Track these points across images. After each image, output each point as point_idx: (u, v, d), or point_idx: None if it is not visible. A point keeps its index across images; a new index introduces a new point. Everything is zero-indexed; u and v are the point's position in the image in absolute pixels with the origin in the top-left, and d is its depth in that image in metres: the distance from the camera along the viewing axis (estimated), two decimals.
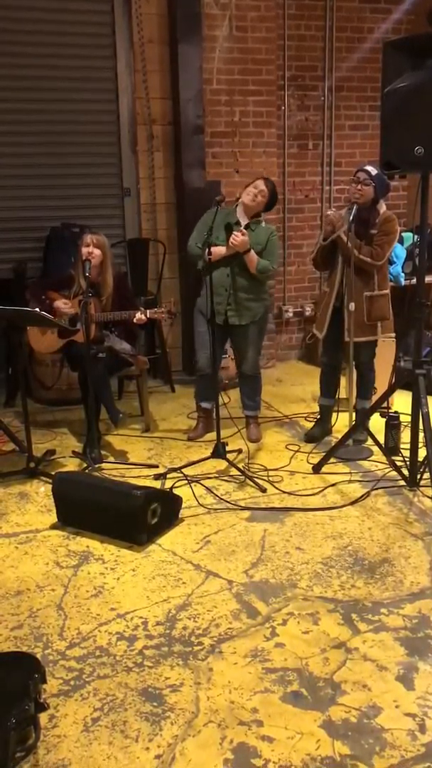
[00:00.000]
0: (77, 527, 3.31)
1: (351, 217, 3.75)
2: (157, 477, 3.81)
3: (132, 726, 2.10)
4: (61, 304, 4.10)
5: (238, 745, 2.02)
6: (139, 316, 4.00)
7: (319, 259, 4.06)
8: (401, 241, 5.58)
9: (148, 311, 4.03)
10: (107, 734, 2.07)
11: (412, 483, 3.60)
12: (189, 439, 4.38)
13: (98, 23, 5.22)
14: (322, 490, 3.67)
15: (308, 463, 3.99)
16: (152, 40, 5.27)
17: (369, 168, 3.87)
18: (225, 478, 3.83)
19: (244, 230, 3.97)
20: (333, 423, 4.36)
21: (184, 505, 3.44)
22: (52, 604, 2.73)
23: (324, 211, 6.01)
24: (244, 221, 4.09)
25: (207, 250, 3.69)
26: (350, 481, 3.76)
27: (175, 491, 3.55)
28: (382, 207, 3.97)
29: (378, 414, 4.11)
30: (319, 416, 4.39)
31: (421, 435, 3.42)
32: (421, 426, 3.41)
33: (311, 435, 4.32)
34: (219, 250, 3.94)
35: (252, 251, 3.99)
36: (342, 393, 4.31)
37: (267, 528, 3.29)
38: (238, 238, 3.92)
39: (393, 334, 4.15)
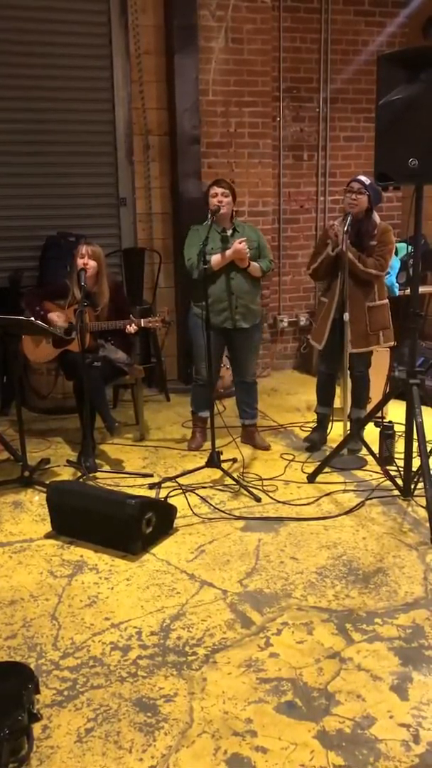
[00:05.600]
0: (71, 536, 3.31)
1: (346, 227, 3.78)
2: (151, 486, 3.81)
3: (125, 737, 2.09)
4: (55, 316, 4.11)
5: (232, 755, 2.01)
6: (129, 328, 4.01)
7: (322, 271, 4.08)
8: (396, 251, 5.60)
9: (142, 320, 4.05)
10: (100, 745, 2.06)
11: (407, 493, 3.61)
12: (191, 449, 4.38)
13: (95, 34, 5.25)
14: (317, 499, 3.67)
15: (303, 472, 3.99)
16: (149, 51, 5.31)
17: (362, 178, 3.91)
18: (220, 487, 3.84)
19: (242, 239, 3.99)
20: (329, 431, 4.37)
21: (178, 515, 3.43)
22: (46, 613, 2.72)
23: (320, 226, 6.05)
24: (228, 229, 4.12)
25: (203, 259, 3.73)
26: (345, 491, 3.77)
27: (170, 500, 3.55)
28: (377, 217, 4.00)
29: (372, 423, 4.12)
30: (317, 424, 4.41)
31: (415, 445, 3.42)
32: (415, 436, 3.42)
33: (311, 439, 4.34)
34: (217, 258, 3.99)
35: (252, 264, 4.06)
36: (336, 402, 4.32)
37: (261, 537, 3.29)
38: (240, 245, 3.93)
39: (394, 342, 4.18)
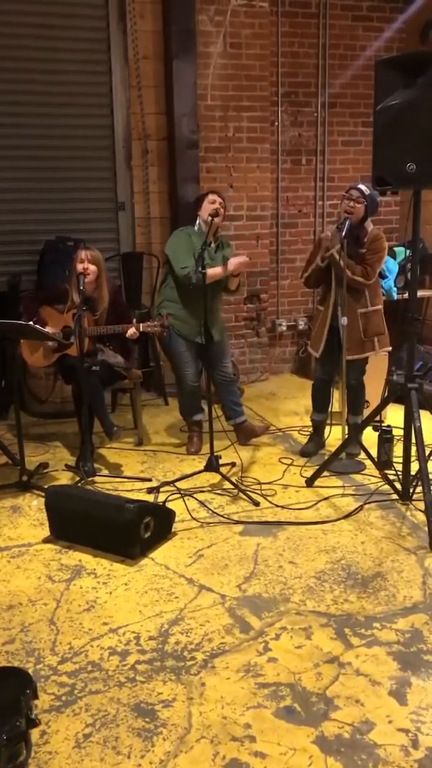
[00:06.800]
0: (70, 541, 3.30)
1: (344, 233, 3.78)
2: (150, 490, 3.80)
3: (124, 742, 2.08)
4: (49, 330, 4.09)
5: (231, 761, 2.00)
6: (131, 331, 4.01)
7: (313, 279, 4.10)
8: (394, 255, 5.62)
9: (141, 325, 4.05)
10: (99, 750, 2.05)
11: (405, 497, 3.60)
12: (190, 453, 4.38)
13: (94, 39, 5.26)
14: (315, 503, 3.67)
15: (301, 476, 3.99)
16: (147, 56, 5.32)
17: (362, 186, 3.91)
18: (218, 491, 3.83)
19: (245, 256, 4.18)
20: (326, 437, 4.37)
21: (177, 519, 3.43)
22: (44, 618, 2.72)
23: (318, 231, 6.06)
24: (213, 243, 4.24)
25: (201, 266, 3.75)
26: (343, 495, 3.77)
27: (168, 505, 3.55)
28: (370, 225, 4.01)
29: (371, 428, 4.12)
30: (312, 431, 4.41)
31: (414, 449, 3.42)
32: (413, 440, 3.42)
33: (306, 451, 4.33)
34: (217, 271, 4.04)
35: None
36: (335, 406, 4.32)
37: (260, 542, 3.29)
38: (243, 260, 4.14)
39: (390, 348, 4.18)
